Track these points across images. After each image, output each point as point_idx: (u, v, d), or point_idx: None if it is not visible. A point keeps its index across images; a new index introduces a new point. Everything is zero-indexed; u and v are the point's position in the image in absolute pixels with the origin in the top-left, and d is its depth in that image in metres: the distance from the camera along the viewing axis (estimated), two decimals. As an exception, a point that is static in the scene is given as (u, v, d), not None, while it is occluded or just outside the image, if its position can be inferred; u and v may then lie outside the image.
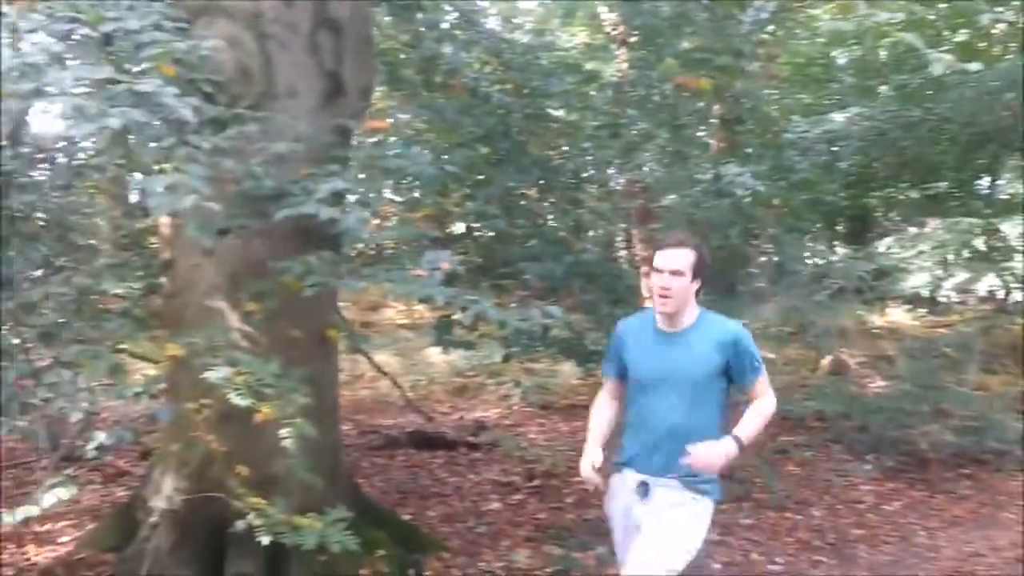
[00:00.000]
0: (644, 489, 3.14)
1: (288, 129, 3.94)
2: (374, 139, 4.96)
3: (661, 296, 3.10)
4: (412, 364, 10.24)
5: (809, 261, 9.45)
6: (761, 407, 3.17)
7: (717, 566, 4.92)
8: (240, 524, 3.47)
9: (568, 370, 8.29)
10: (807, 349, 10.18)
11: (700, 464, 2.96)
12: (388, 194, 5.93)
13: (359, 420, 7.95)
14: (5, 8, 3.13)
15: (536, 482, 6.26)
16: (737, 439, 3.04)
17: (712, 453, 2.98)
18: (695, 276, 3.12)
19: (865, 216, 13.60)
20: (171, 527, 4.20)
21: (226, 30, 3.93)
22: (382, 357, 8.82)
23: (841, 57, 11.30)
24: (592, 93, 7.41)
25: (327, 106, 4.33)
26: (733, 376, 3.16)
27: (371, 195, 4.21)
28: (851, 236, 13.70)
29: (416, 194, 6.53)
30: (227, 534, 3.91)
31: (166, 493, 4.27)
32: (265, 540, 3.41)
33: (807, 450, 7.22)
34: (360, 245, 5.37)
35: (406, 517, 5.34)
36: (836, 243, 13.36)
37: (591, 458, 3.24)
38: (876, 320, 12.42)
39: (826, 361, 10.09)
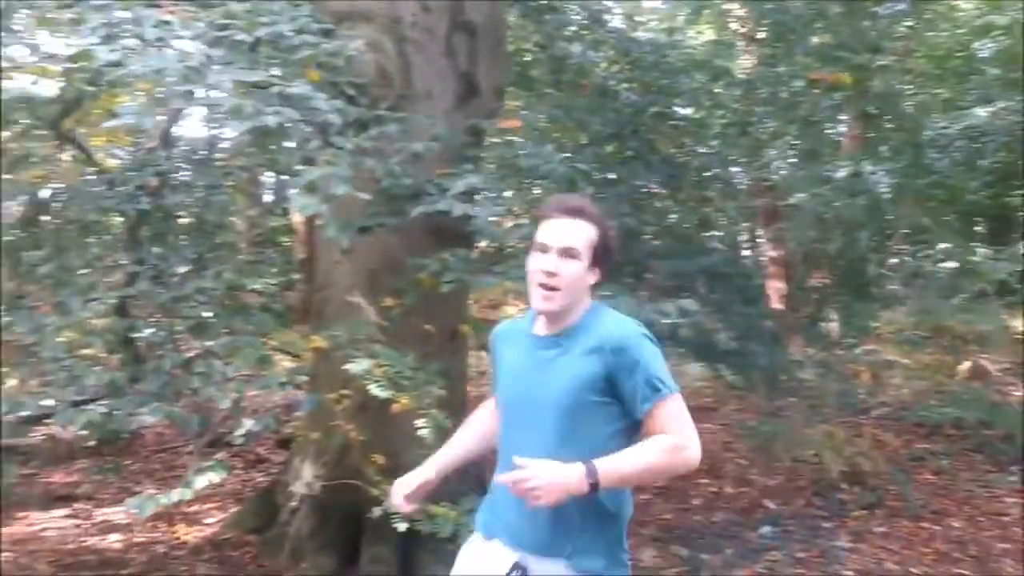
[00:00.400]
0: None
1: (425, 129, 4.06)
2: (505, 138, 5.06)
3: (543, 287, 2.18)
4: (533, 362, 10.31)
5: (946, 262, 9.06)
6: (660, 443, 2.09)
7: (849, 573, 4.79)
8: (376, 511, 3.58)
9: (694, 371, 8.20)
10: (943, 353, 9.78)
11: (517, 485, 1.98)
12: (515, 192, 6.01)
13: (483, 416, 8.06)
14: (168, 16, 3.33)
15: (661, 482, 6.23)
16: (591, 472, 1.99)
17: (545, 476, 1.97)
18: (595, 262, 2.22)
19: (1008, 215, 12.93)
20: (310, 512, 4.38)
21: (367, 34, 4.08)
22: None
23: (983, 50, 10.78)
24: (719, 91, 7.32)
25: (461, 107, 4.44)
26: (622, 398, 2.15)
27: (503, 193, 4.30)
28: (992, 236, 13.06)
29: (536, 191, 6.58)
30: (363, 520, 4.05)
31: (306, 479, 4.45)
32: (401, 527, 3.51)
33: (944, 458, 6.93)
34: (483, 244, 5.47)
35: (531, 512, 5.40)
36: (976, 243, 12.76)
37: (414, 474, 2.39)
38: (1020, 325, 11.80)
39: (964, 367, 9.65)
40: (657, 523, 5.44)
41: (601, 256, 2.23)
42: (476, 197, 3.99)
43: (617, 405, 2.16)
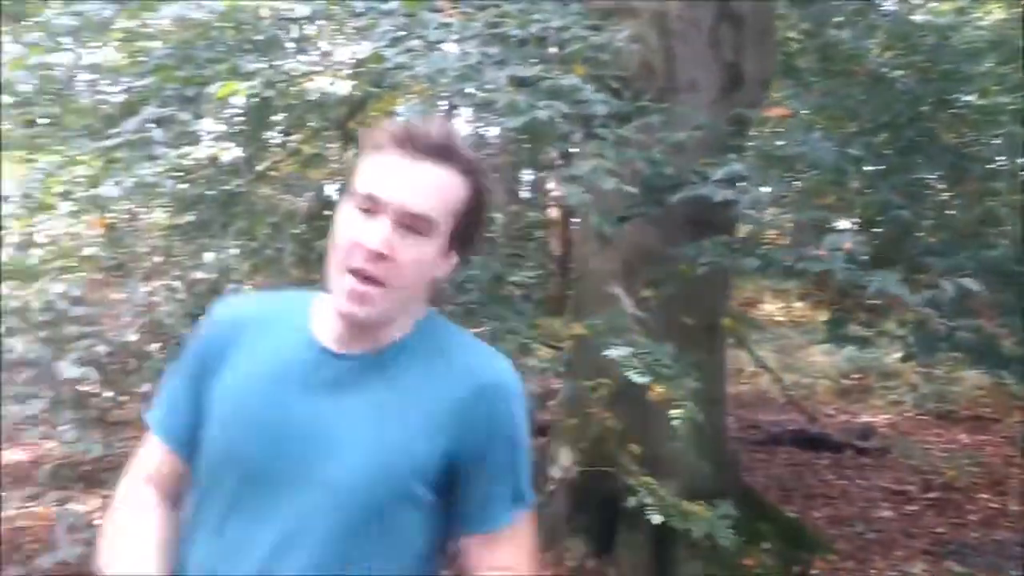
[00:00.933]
0: None
1: (687, 120, 4.04)
2: (770, 128, 4.94)
3: (359, 276, 1.22)
4: (791, 362, 9.97)
5: None
6: None
7: None
8: (631, 501, 3.62)
9: (972, 378, 7.60)
10: None
11: None
12: (776, 183, 5.83)
13: (739, 414, 7.89)
14: (446, 19, 3.54)
15: (934, 494, 5.82)
16: None
17: None
18: (454, 241, 1.29)
19: None
20: (567, 496, 4.50)
21: (632, 28, 4.12)
22: (761, 353, 8.69)
23: None
24: (1010, 73, 6.69)
25: (725, 97, 4.38)
26: (463, 496, 1.29)
27: (763, 185, 4.19)
28: None
29: (798, 183, 6.32)
30: (619, 507, 4.11)
31: (562, 464, 4.58)
32: (656, 519, 3.53)
33: None
34: (742, 233, 5.35)
35: (789, 515, 5.24)
36: None
37: None
38: None
39: None
40: (929, 536, 5.09)
41: (465, 232, 1.29)
42: (738, 184, 3.92)
43: (442, 500, 1.28)
